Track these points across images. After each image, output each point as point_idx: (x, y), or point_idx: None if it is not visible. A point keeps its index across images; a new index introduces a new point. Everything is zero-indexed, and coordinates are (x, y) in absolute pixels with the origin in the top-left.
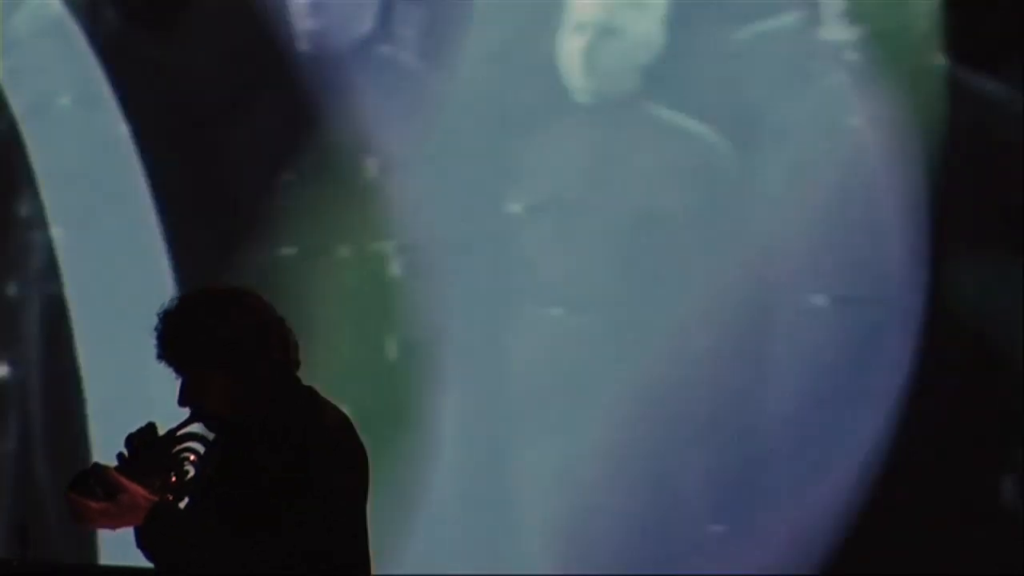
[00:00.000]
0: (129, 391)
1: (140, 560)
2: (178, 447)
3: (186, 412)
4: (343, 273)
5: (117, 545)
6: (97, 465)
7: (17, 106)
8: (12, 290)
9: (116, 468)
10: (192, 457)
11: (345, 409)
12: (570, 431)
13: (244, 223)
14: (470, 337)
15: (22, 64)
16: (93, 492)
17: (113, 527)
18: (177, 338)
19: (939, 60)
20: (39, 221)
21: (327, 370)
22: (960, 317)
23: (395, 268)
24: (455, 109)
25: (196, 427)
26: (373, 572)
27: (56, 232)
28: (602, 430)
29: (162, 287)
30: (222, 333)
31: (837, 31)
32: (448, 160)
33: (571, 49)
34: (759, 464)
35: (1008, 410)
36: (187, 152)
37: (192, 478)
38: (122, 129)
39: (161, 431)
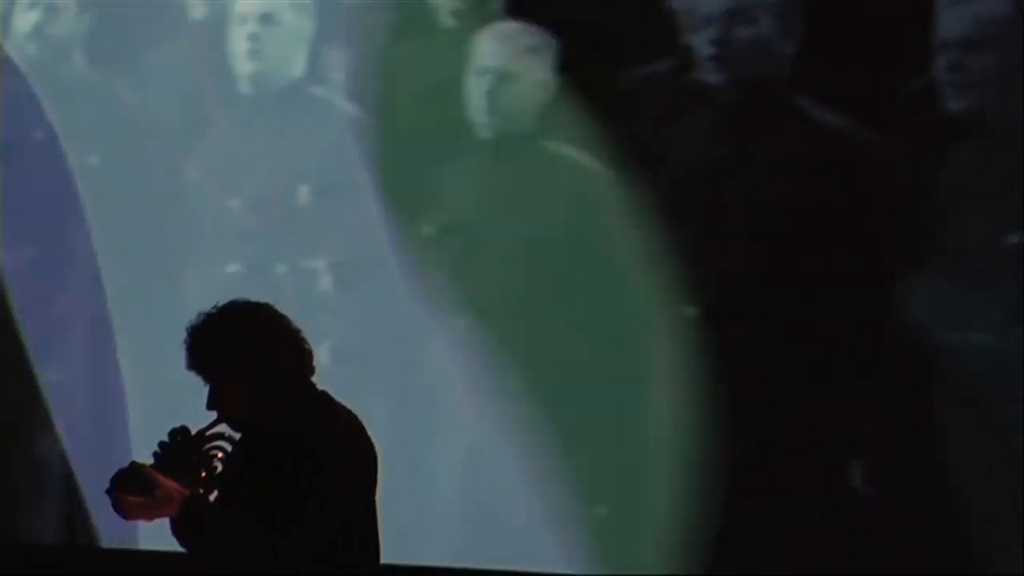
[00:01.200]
0: (164, 396)
1: (174, 546)
2: (207, 446)
3: (213, 414)
4: (281, 288)
5: (154, 533)
6: (135, 463)
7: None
8: (63, 308)
9: (152, 465)
10: (220, 455)
11: None
12: (475, 425)
13: (196, 243)
14: (390, 343)
15: None
16: (132, 487)
17: (149, 518)
18: (201, 350)
19: (795, 99)
20: (87, 248)
21: None
22: (809, 319)
23: (325, 283)
24: (377, 142)
25: (223, 427)
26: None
27: (100, 256)
28: (504, 424)
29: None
30: (239, 345)
31: (707, 74)
32: (371, 187)
33: (475, 92)
34: (638, 454)
35: (856, 401)
36: (148, 180)
37: (220, 473)
38: (93, 160)
39: (192, 431)
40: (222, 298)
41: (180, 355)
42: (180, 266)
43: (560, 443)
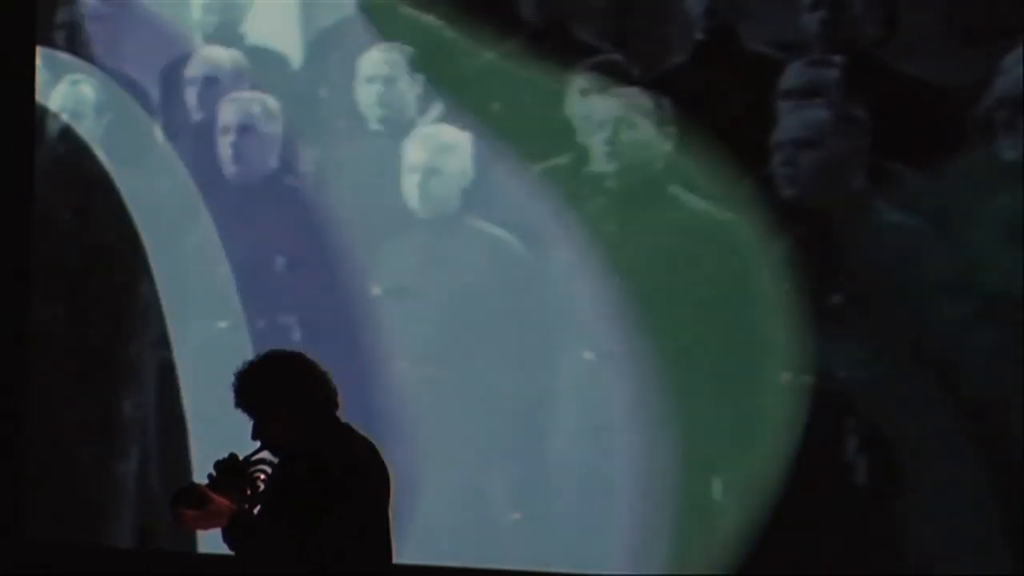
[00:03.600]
0: (218, 427)
1: (225, 550)
2: (252, 469)
3: (257, 443)
4: (261, 340)
5: (209, 540)
6: (193, 483)
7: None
8: (133, 350)
9: (207, 485)
10: (262, 476)
11: None
12: (415, 445)
13: (193, 303)
14: (348, 382)
15: None
16: (190, 503)
17: (205, 528)
18: (248, 391)
19: (669, 187)
20: (156, 303)
21: None
22: (680, 358)
23: (296, 335)
24: (337, 222)
25: (265, 454)
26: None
27: (167, 309)
28: (437, 443)
29: (187, 353)
30: (280, 386)
31: (599, 166)
32: (332, 257)
33: (410, 183)
34: (549, 474)
35: (719, 421)
36: (153, 250)
37: (263, 492)
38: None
39: (240, 457)
40: (229, 349)
41: (191, 391)
42: (181, 321)
43: (483, 460)
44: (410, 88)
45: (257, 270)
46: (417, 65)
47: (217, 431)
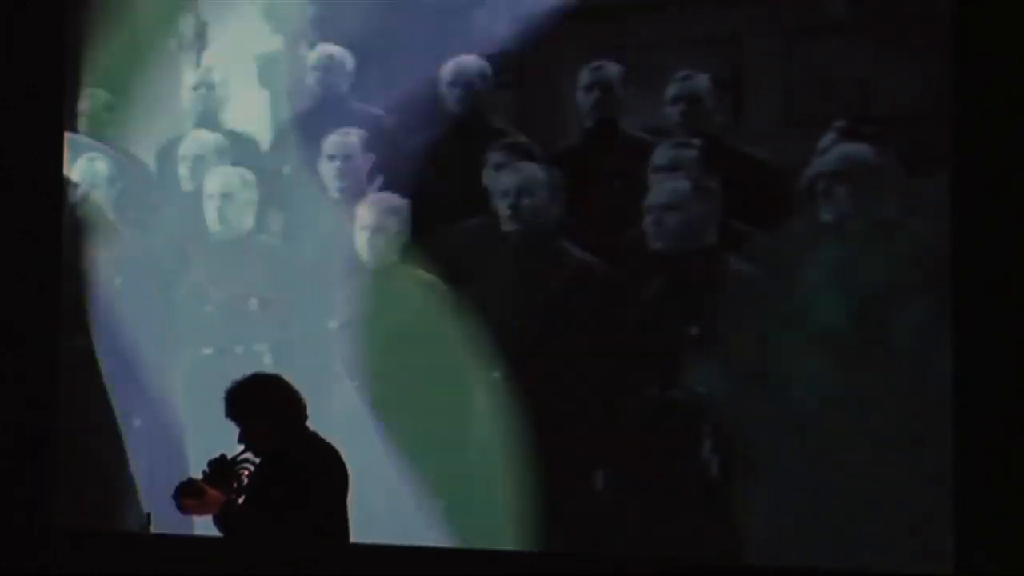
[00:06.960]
0: (211, 435)
1: (214, 532)
2: (238, 466)
3: (242, 446)
4: (239, 364)
5: (202, 524)
6: (191, 478)
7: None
8: (139, 372)
9: (201, 479)
10: (246, 472)
11: None
12: (362, 447)
13: (183, 334)
14: (309, 397)
15: None
16: (189, 493)
17: (200, 514)
18: (236, 404)
19: (560, 242)
20: (157, 335)
21: None
22: (569, 382)
23: (267, 359)
24: (300, 269)
25: (248, 455)
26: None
27: (166, 339)
28: (379, 446)
29: (180, 375)
30: (261, 401)
31: (506, 226)
32: (297, 299)
33: (360, 239)
34: (468, 469)
35: (599, 424)
36: (152, 294)
37: (247, 485)
38: (118, 281)
39: (228, 457)
40: (220, 372)
41: (185, 405)
42: (174, 348)
43: (416, 458)
44: (363, 163)
45: (236, 308)
46: (368, 146)
47: (204, 436)
